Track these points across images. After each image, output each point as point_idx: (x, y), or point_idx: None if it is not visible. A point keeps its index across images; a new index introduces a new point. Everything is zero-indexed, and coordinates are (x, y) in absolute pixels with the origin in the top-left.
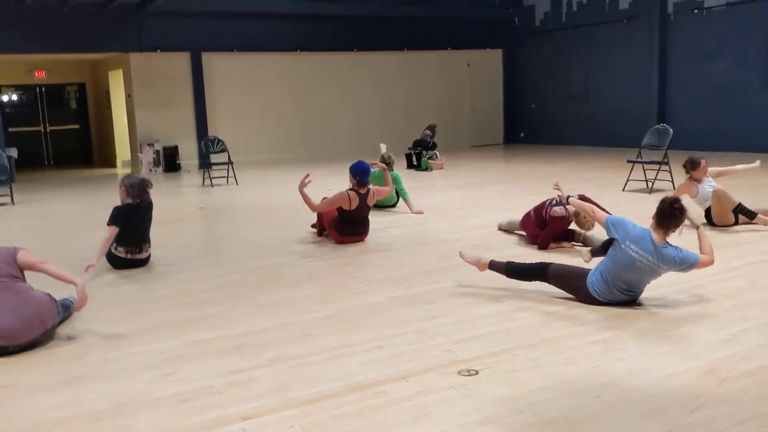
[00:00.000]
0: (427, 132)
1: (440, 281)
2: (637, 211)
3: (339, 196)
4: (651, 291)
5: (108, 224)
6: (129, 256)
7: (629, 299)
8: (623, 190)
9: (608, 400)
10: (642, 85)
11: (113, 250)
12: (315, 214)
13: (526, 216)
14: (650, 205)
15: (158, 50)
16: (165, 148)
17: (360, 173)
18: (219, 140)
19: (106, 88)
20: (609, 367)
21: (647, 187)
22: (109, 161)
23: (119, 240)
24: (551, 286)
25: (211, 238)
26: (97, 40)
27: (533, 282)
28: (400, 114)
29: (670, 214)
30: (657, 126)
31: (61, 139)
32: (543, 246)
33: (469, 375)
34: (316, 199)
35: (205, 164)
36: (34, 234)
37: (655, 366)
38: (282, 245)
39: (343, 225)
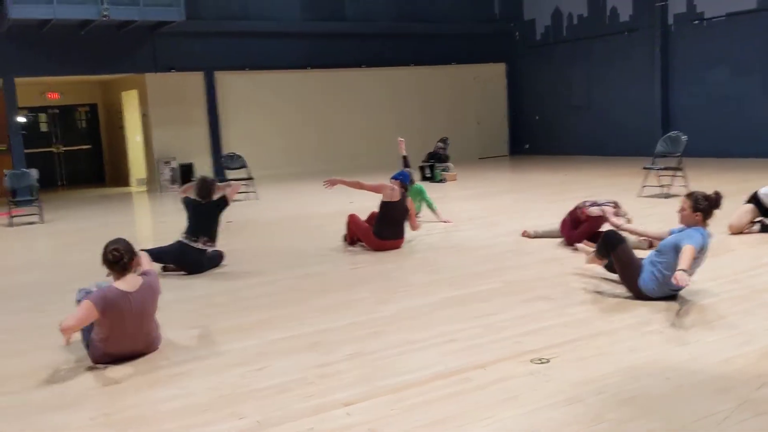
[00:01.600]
0: (440, 144)
1: (488, 282)
2: (656, 215)
3: (382, 184)
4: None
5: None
6: (184, 239)
7: (674, 293)
8: (640, 195)
9: (677, 381)
10: (644, 95)
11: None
12: (346, 226)
13: (563, 222)
14: (667, 209)
15: (173, 70)
16: (181, 165)
17: (401, 175)
18: (238, 156)
19: (119, 108)
20: (670, 353)
21: (661, 192)
22: (122, 180)
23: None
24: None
25: (249, 249)
26: (113, 62)
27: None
28: (409, 128)
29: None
30: (670, 134)
31: (73, 159)
32: (578, 240)
33: (542, 363)
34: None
35: (221, 180)
36: (74, 250)
37: (713, 351)
38: (321, 254)
39: (383, 225)
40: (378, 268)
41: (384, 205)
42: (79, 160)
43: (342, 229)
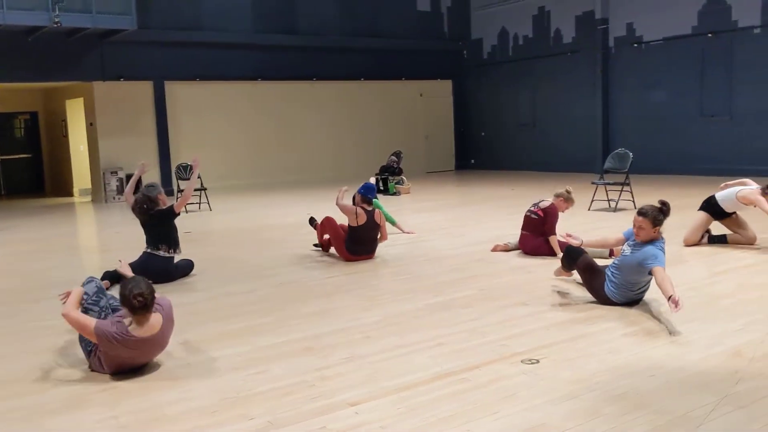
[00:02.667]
0: (393, 158)
1: (464, 290)
2: (606, 227)
3: (350, 207)
4: (652, 294)
5: None
6: (148, 250)
7: (638, 298)
8: (589, 209)
9: (662, 378)
10: (587, 113)
11: None
12: (318, 229)
13: (522, 237)
14: (616, 222)
15: (122, 79)
16: (128, 176)
17: (365, 189)
18: (191, 167)
19: (62, 117)
20: (648, 353)
21: (609, 206)
22: (63, 190)
23: None
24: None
25: (217, 259)
26: (60, 69)
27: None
28: (359, 141)
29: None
30: (618, 150)
31: (12, 168)
32: (552, 232)
33: (532, 363)
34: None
35: (169, 192)
36: (29, 258)
37: (687, 351)
38: (293, 263)
39: (353, 244)
40: (353, 277)
41: (351, 228)
42: (19, 169)
43: (308, 239)
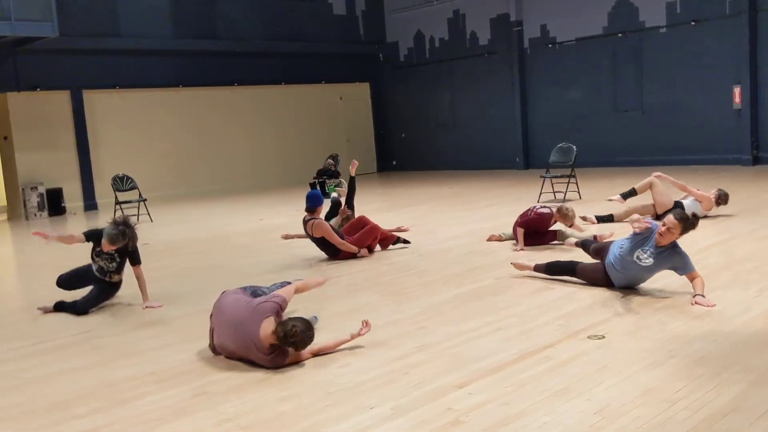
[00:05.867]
0: (330, 161)
1: (480, 281)
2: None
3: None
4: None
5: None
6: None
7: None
8: (537, 201)
9: (725, 342)
10: (505, 113)
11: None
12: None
13: (515, 225)
14: None
15: (38, 89)
16: (48, 191)
17: (306, 199)
18: (129, 178)
19: None
20: (694, 323)
21: (555, 198)
22: None
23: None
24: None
25: (203, 268)
26: None
27: (561, 276)
28: (282, 147)
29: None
30: (561, 145)
31: None
32: (525, 226)
33: (599, 339)
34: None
35: (92, 206)
36: None
37: (728, 319)
38: (285, 267)
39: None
40: (361, 276)
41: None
42: None
43: (280, 244)
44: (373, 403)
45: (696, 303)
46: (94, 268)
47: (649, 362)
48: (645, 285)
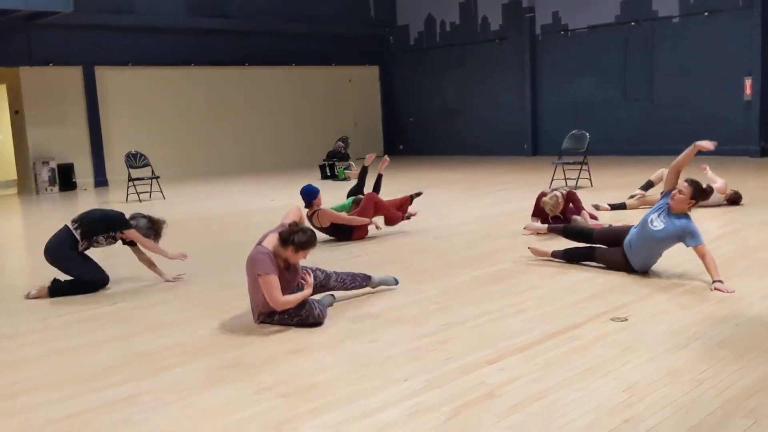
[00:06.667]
0: (340, 143)
1: (498, 263)
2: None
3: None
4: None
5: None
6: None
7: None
8: (549, 188)
9: (747, 326)
10: (516, 99)
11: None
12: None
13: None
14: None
15: (50, 64)
16: (60, 166)
17: (301, 197)
18: (142, 155)
19: None
20: (715, 307)
21: (566, 185)
22: None
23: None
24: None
25: (225, 245)
26: None
27: (580, 262)
28: (293, 128)
29: None
30: (574, 132)
31: None
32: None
33: (622, 321)
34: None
35: (102, 182)
36: None
37: (748, 304)
38: None
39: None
40: (378, 256)
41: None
42: None
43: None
44: (404, 375)
45: (715, 289)
46: (84, 246)
47: (672, 344)
48: (664, 270)
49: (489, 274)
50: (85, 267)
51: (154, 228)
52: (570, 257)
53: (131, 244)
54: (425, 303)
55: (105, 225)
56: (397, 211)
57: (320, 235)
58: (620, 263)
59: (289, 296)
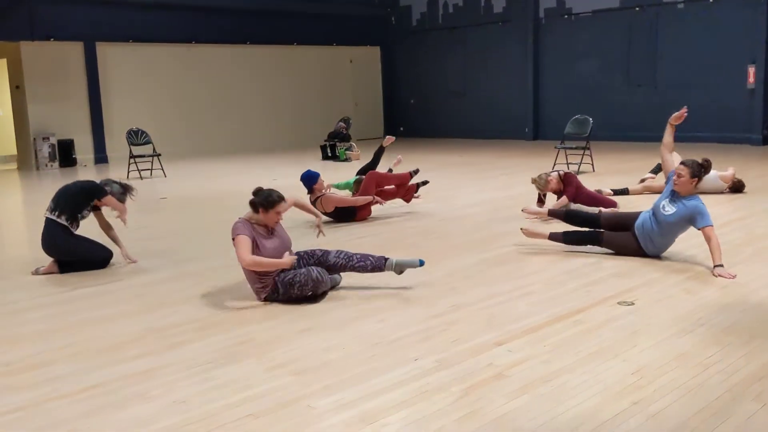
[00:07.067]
0: (342, 124)
1: (501, 246)
2: None
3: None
4: (673, 246)
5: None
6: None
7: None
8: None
9: (753, 312)
10: (518, 82)
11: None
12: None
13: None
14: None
15: (52, 39)
16: (60, 142)
17: (301, 180)
18: (143, 132)
19: None
20: (719, 294)
21: (568, 169)
22: None
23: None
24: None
25: (226, 222)
26: None
27: (581, 245)
28: (292, 107)
29: None
30: (577, 116)
31: None
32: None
33: (629, 305)
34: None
35: (102, 158)
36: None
37: (753, 290)
38: (308, 226)
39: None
40: (384, 237)
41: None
42: None
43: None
44: (416, 355)
45: (717, 275)
46: (75, 227)
47: (679, 329)
48: (670, 255)
49: (495, 257)
50: (88, 246)
51: (126, 193)
52: (570, 240)
53: (95, 209)
54: (433, 285)
55: (86, 197)
56: (401, 188)
57: (323, 219)
58: (632, 248)
59: (258, 258)
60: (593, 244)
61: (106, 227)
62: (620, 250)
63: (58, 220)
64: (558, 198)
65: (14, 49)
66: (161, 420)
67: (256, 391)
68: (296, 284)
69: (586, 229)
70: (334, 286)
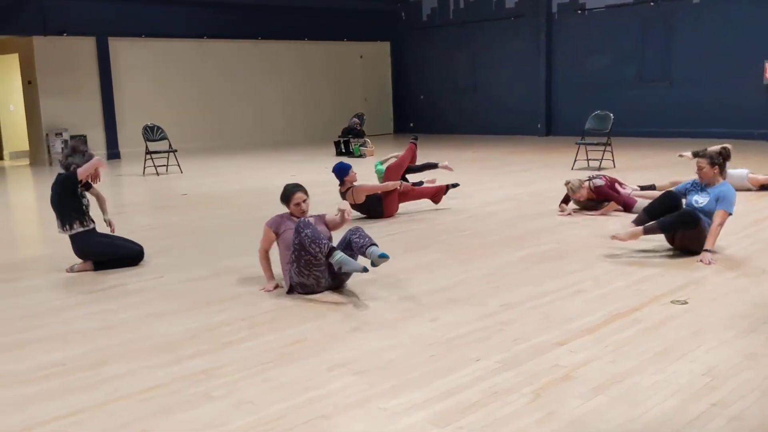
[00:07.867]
0: (356, 120)
1: (541, 244)
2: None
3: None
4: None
5: None
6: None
7: None
8: (572, 169)
9: None
10: (530, 78)
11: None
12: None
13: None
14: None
15: (64, 34)
16: (73, 137)
17: (333, 173)
18: (159, 128)
19: None
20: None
21: (588, 165)
22: None
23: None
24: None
25: (252, 221)
26: None
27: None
28: (303, 102)
29: None
30: (597, 112)
31: None
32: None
33: (683, 304)
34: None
35: (115, 154)
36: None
37: None
38: None
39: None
40: (415, 234)
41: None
42: None
43: (329, 198)
44: (476, 355)
45: (699, 260)
46: (92, 224)
47: (742, 328)
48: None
49: (535, 255)
50: (118, 244)
51: (79, 151)
52: (665, 228)
53: (86, 188)
54: (475, 283)
55: (66, 192)
56: (432, 187)
57: (353, 214)
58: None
59: (260, 255)
60: (689, 228)
61: (98, 197)
62: (692, 244)
63: (72, 231)
64: (593, 205)
65: (26, 44)
66: (232, 421)
67: (320, 391)
68: (300, 250)
69: (675, 217)
70: (353, 271)
